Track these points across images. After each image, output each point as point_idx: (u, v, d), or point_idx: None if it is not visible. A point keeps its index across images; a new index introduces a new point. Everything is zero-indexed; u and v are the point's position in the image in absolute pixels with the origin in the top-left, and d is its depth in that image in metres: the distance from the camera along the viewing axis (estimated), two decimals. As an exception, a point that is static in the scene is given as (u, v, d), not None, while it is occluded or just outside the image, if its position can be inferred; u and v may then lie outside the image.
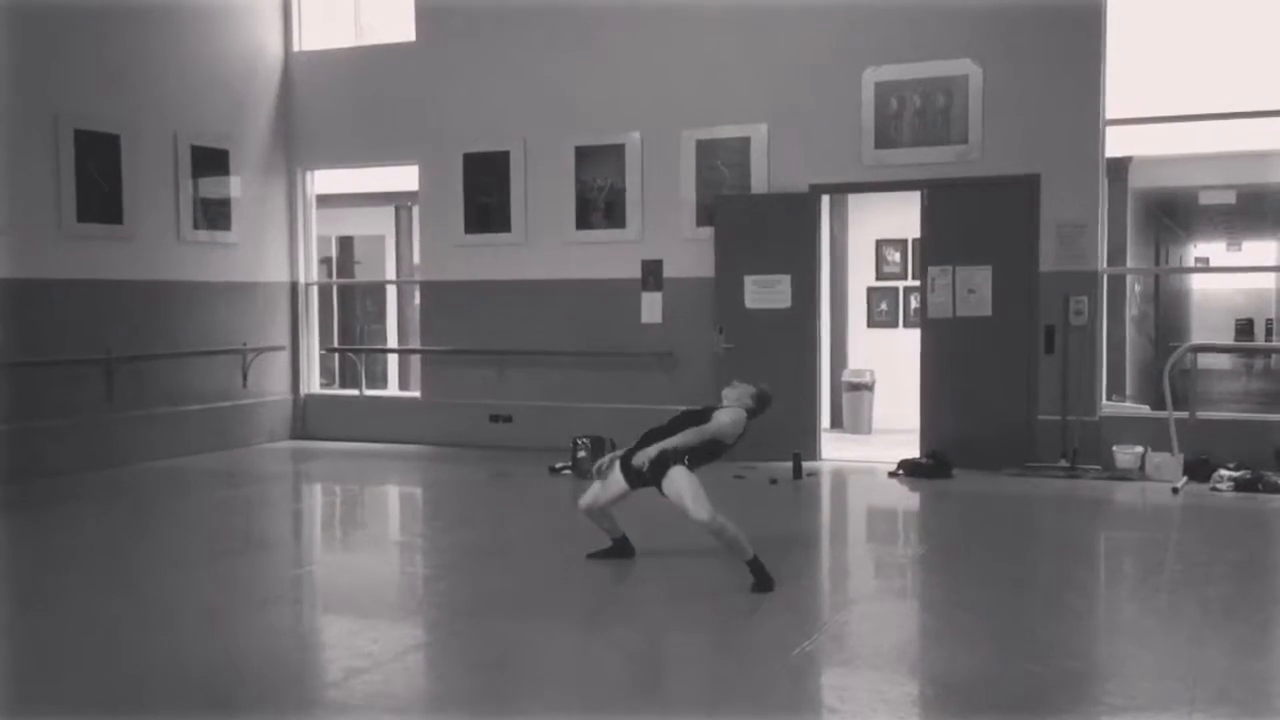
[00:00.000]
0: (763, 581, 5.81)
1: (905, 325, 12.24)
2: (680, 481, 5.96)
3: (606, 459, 6.31)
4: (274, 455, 11.18)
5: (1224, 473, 8.75)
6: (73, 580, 6.39)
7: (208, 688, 4.64)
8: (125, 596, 6.00)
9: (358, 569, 6.92)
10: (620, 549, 6.47)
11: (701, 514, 5.89)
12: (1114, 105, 9.46)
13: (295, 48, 12.02)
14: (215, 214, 11.23)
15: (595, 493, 6.32)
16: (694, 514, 5.90)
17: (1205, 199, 14.61)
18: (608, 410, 10.56)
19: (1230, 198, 14.25)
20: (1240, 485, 8.59)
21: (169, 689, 4.62)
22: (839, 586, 6.58)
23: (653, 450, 6.02)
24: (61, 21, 9.77)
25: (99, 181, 10.05)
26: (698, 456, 6.10)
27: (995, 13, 9.63)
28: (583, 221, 10.98)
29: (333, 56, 11.96)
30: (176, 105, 10.79)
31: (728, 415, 6.18)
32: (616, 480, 6.22)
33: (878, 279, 12.66)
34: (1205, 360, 11.78)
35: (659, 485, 6.03)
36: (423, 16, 11.50)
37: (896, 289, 12.56)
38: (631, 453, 6.13)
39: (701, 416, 6.23)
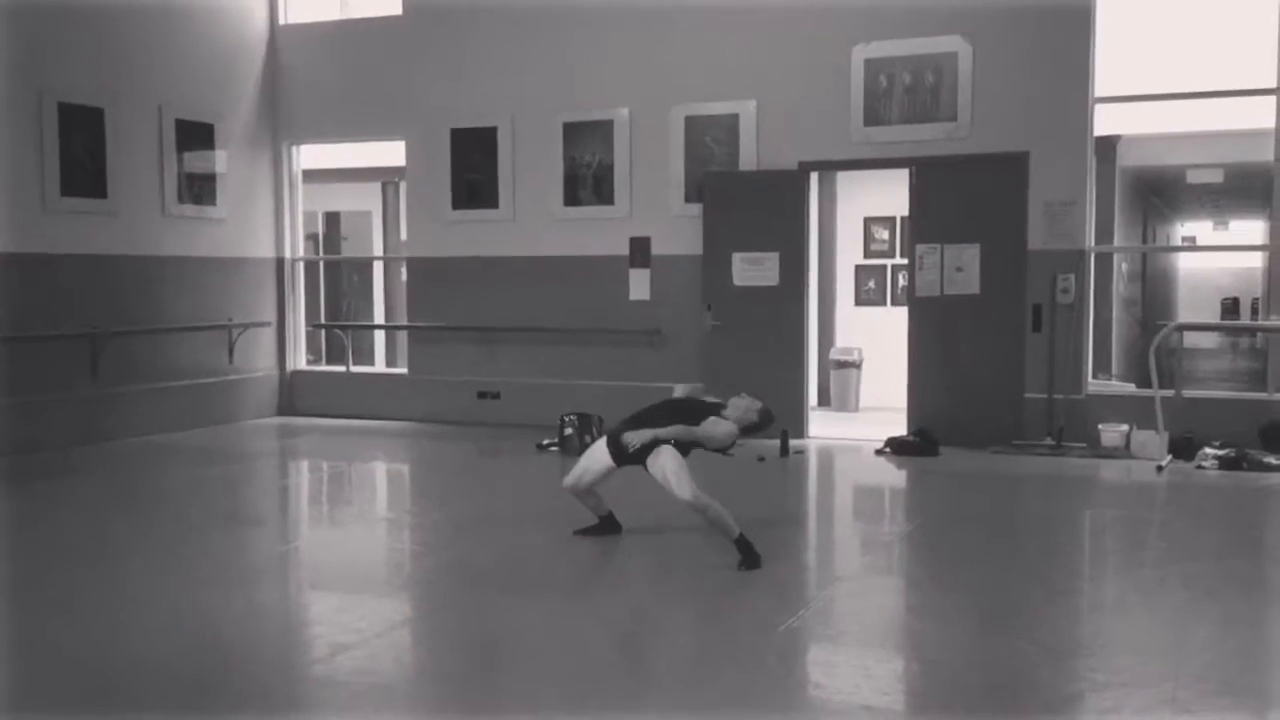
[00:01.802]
0: (750, 558, 5.83)
1: (893, 303, 12.26)
2: (665, 459, 5.97)
3: (634, 436, 6.07)
4: (260, 431, 11.15)
5: (1209, 451, 8.79)
6: (56, 557, 6.36)
7: (194, 664, 4.63)
8: (109, 573, 5.98)
9: (344, 545, 6.92)
10: (606, 526, 6.48)
11: (685, 493, 5.90)
12: (1103, 83, 9.46)
13: (281, 20, 11.93)
14: (201, 189, 11.16)
15: (580, 471, 6.32)
16: (678, 493, 5.91)
17: (1193, 178, 14.64)
18: (596, 387, 10.56)
19: (1218, 176, 14.28)
20: (1225, 463, 8.63)
21: (154, 665, 4.60)
22: (825, 564, 6.60)
23: (646, 434, 6.00)
24: (44, -7, 9.68)
25: (83, 156, 9.98)
26: (680, 447, 6.08)
27: (985, -11, 9.60)
28: (571, 198, 10.95)
29: (319, 30, 11.89)
30: (161, 79, 10.71)
31: (722, 429, 6.09)
32: (602, 457, 6.21)
33: (866, 257, 12.66)
34: (1191, 339, 11.82)
35: (644, 463, 6.04)
36: (410, -10, 11.43)
37: (884, 267, 12.57)
38: (618, 432, 6.13)
39: (697, 411, 6.17)
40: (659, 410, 6.25)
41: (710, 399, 6.36)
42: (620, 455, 6.12)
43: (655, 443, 6.00)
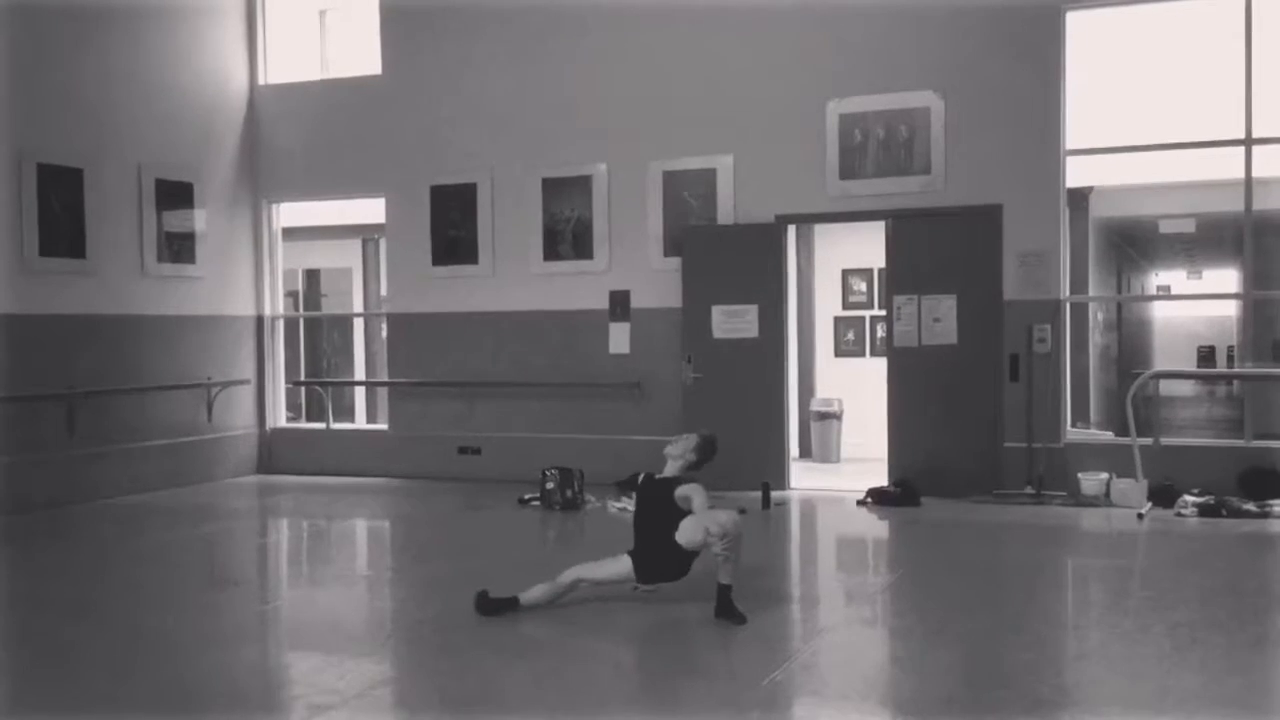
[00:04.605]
0: (728, 609, 5.77)
1: (872, 354, 12.31)
2: (691, 523, 5.87)
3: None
4: (239, 490, 11.07)
5: (1188, 498, 8.83)
6: (33, 619, 6.29)
7: (171, 726, 4.58)
8: (87, 635, 5.90)
9: (324, 604, 6.86)
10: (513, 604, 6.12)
11: (725, 519, 5.75)
12: (1074, 136, 9.59)
13: (260, 80, 12.01)
14: (180, 247, 11.17)
15: (597, 569, 6.12)
16: (722, 522, 5.73)
17: (1165, 228, 14.81)
18: (577, 441, 10.55)
19: (1190, 226, 14.44)
20: (1204, 510, 8.66)
21: (131, 728, 4.55)
22: (809, 615, 6.56)
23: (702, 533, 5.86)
24: (24, 56, 9.72)
25: (62, 216, 9.98)
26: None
27: (956, 45, 9.76)
28: (550, 253, 10.99)
29: (298, 89, 11.96)
30: (141, 138, 10.74)
31: (699, 496, 5.92)
32: (625, 570, 6.04)
33: (844, 308, 12.73)
34: (1168, 387, 11.90)
35: (677, 560, 5.99)
36: (389, 50, 11.53)
37: (863, 318, 12.64)
38: (635, 554, 6.03)
39: (662, 485, 6.08)
40: (646, 513, 6.14)
41: (668, 473, 6.23)
42: (654, 574, 6.02)
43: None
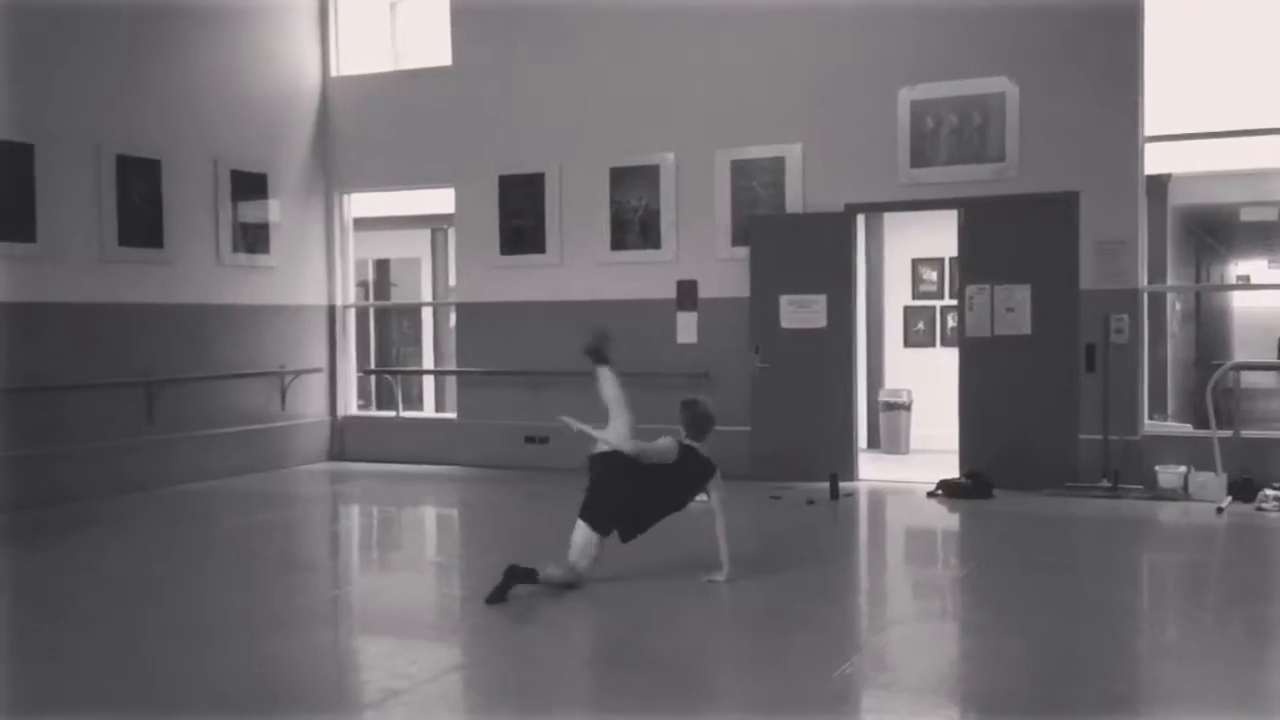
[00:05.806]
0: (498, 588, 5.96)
1: (942, 344, 12.17)
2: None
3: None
4: (311, 477, 11.23)
5: (1269, 492, 8.62)
6: (111, 601, 6.43)
7: (246, 708, 4.65)
8: (164, 618, 6.03)
9: (395, 590, 6.94)
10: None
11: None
12: (1153, 122, 9.39)
13: (333, 73, 12.15)
14: (254, 237, 11.34)
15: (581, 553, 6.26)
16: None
17: (1246, 216, 14.46)
18: (643, 431, 10.51)
19: (1271, 215, 14.09)
20: (1286, 505, 8.46)
21: (207, 710, 4.63)
22: (878, 608, 6.52)
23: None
24: (103, 50, 9.92)
25: (140, 206, 10.18)
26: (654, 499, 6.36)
27: (1031, 30, 9.59)
28: (618, 242, 11.00)
29: (370, 81, 12.08)
30: (217, 130, 10.92)
31: (663, 440, 6.48)
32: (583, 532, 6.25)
33: (914, 298, 12.59)
34: (1248, 379, 11.61)
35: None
36: (459, 41, 11.60)
37: (933, 308, 12.49)
38: (589, 509, 6.29)
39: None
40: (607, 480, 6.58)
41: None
42: (606, 522, 6.28)
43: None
